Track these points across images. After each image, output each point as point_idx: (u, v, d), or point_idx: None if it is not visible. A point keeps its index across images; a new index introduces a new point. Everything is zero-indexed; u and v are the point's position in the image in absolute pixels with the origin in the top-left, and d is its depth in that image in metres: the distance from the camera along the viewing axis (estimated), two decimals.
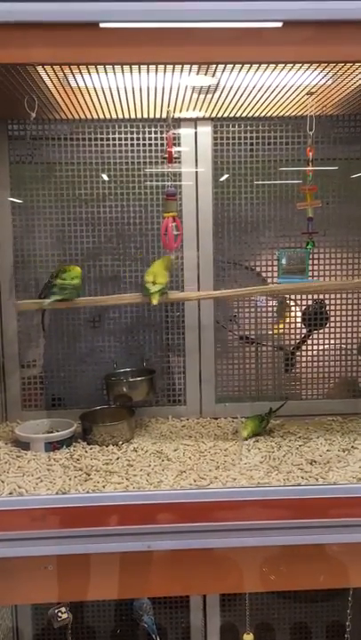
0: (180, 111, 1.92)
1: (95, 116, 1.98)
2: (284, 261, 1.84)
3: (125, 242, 2.10)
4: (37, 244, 2.08)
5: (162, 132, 2.02)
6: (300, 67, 1.48)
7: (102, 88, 1.64)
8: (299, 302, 2.21)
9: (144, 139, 2.05)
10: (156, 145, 2.04)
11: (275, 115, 2.00)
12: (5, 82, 1.54)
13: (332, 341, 2.19)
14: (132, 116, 1.98)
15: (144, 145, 2.05)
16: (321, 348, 2.20)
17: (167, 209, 1.78)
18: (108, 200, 2.08)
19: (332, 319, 2.18)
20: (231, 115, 1.99)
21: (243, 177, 2.09)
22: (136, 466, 1.67)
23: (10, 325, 2.10)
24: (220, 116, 2.00)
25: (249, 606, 2.14)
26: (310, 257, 1.85)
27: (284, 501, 1.47)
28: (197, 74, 1.53)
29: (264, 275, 2.14)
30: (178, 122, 2.02)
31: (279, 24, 1.35)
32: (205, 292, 2.05)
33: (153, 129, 2.04)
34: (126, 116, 1.98)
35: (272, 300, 2.19)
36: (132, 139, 2.05)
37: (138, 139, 2.05)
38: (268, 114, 1.99)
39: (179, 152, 2.03)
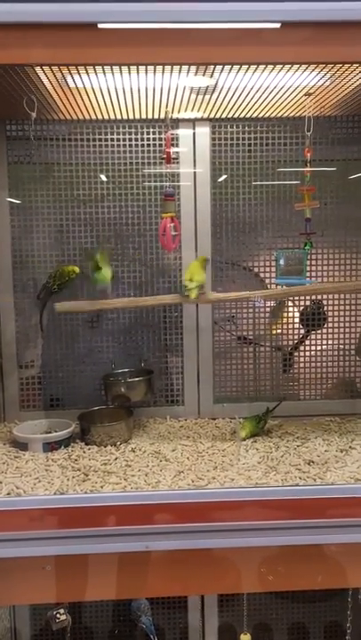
0: (179, 112, 1.93)
1: (93, 117, 1.98)
2: (281, 262, 1.84)
3: (124, 242, 2.10)
4: (35, 245, 2.08)
5: (160, 133, 2.03)
6: (299, 67, 1.48)
7: (101, 89, 1.64)
8: (297, 303, 2.21)
9: (142, 139, 2.05)
10: (155, 145, 2.05)
11: (273, 115, 2.00)
12: (3, 82, 1.54)
13: (330, 342, 2.20)
14: (131, 117, 1.99)
15: (142, 145, 2.05)
16: (319, 348, 2.21)
17: (165, 209, 1.78)
18: (106, 200, 2.08)
19: (330, 320, 2.18)
20: (229, 115, 2.00)
21: (241, 177, 2.09)
22: (134, 466, 1.67)
23: (8, 326, 2.10)
24: (218, 116, 2.00)
25: (247, 606, 2.14)
26: (308, 257, 1.85)
27: (282, 502, 1.47)
28: (196, 74, 1.53)
29: (262, 275, 2.14)
30: (176, 122, 2.02)
31: (277, 25, 1.35)
32: (242, 292, 1.95)
33: (151, 129, 2.04)
34: (125, 117, 1.99)
35: (270, 300, 2.19)
36: (130, 139, 2.05)
37: (136, 139, 2.05)
38: (267, 114, 1.99)
39: (177, 153, 2.03)
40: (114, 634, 2.38)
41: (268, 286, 2.12)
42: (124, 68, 1.45)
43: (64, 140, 2.04)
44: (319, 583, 1.57)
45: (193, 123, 2.03)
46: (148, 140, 2.05)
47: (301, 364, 2.23)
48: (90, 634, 2.38)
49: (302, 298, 2.19)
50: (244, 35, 1.37)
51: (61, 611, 1.91)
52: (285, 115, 1.98)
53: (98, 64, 1.41)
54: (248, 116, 2.00)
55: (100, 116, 1.98)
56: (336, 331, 2.18)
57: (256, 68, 1.47)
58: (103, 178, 2.07)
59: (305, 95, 1.74)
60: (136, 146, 2.05)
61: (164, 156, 1.79)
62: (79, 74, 1.50)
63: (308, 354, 2.22)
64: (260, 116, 2.00)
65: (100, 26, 1.34)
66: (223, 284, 2.13)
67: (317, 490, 1.50)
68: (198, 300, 1.81)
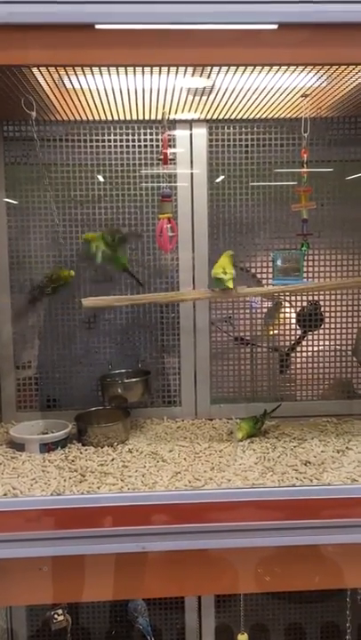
0: (176, 113, 1.93)
1: (91, 118, 1.98)
2: (279, 263, 1.85)
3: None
4: (32, 245, 2.08)
5: (157, 134, 2.03)
6: (296, 69, 1.48)
7: (98, 89, 1.64)
8: (294, 304, 2.21)
9: (139, 140, 2.05)
10: (152, 146, 2.05)
11: (270, 117, 2.00)
12: (0, 83, 1.54)
13: (327, 343, 2.20)
14: (128, 118, 1.99)
15: (139, 146, 2.05)
16: (316, 349, 2.21)
17: (162, 210, 1.78)
18: (103, 201, 2.08)
19: (327, 320, 2.19)
20: (226, 116, 2.00)
21: (238, 178, 2.09)
22: (131, 467, 1.67)
23: (5, 326, 2.10)
24: (215, 117, 2.01)
25: (244, 607, 2.14)
26: (305, 258, 1.85)
27: (279, 502, 1.48)
28: (193, 75, 1.53)
29: (259, 276, 2.15)
30: (173, 123, 2.02)
31: (275, 26, 1.35)
32: (268, 288, 2.00)
33: (148, 130, 2.04)
34: (122, 118, 1.99)
35: (267, 301, 2.19)
36: (127, 140, 2.05)
37: (133, 140, 2.05)
38: (264, 116, 1.99)
39: (174, 153, 2.03)
40: (111, 635, 2.38)
41: (266, 287, 2.11)
42: (122, 69, 1.45)
43: (61, 140, 2.04)
44: (316, 584, 1.57)
45: (190, 124, 2.03)
46: (146, 140, 2.05)
47: (298, 365, 2.23)
48: (87, 635, 2.38)
49: (299, 299, 2.19)
50: (241, 36, 1.37)
51: (59, 611, 1.91)
52: (282, 116, 1.99)
53: (95, 65, 1.41)
54: (245, 117, 2.00)
55: (97, 117, 1.98)
56: (333, 332, 2.19)
57: (253, 70, 1.47)
58: (100, 179, 2.07)
59: (302, 96, 1.75)
60: (133, 147, 2.05)
61: (162, 156, 1.79)
62: (76, 75, 1.50)
63: (304, 355, 2.22)
64: (257, 117, 2.01)
65: (97, 27, 1.34)
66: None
67: (314, 490, 1.50)
68: (234, 293, 1.80)
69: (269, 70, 1.49)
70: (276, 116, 1.99)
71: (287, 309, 2.22)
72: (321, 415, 2.11)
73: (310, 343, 2.21)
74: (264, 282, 2.13)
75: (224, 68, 1.46)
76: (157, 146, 2.03)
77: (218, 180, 2.09)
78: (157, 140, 2.03)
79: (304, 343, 2.22)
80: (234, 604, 2.29)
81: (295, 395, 2.23)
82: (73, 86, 1.60)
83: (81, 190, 2.07)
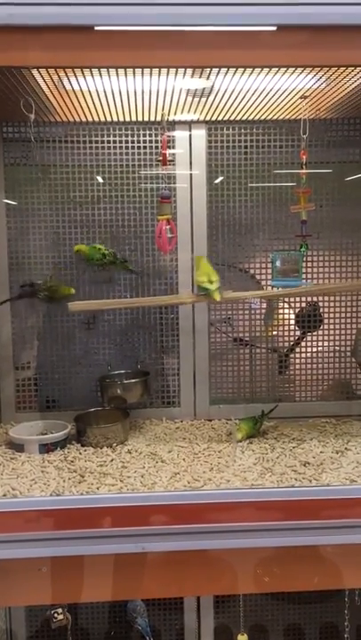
0: (175, 114, 1.93)
1: (90, 119, 1.99)
2: (278, 264, 1.85)
3: (120, 244, 2.10)
4: (32, 247, 2.08)
5: (156, 135, 2.03)
6: (294, 70, 1.48)
7: (97, 91, 1.64)
8: (293, 305, 2.21)
9: (139, 141, 2.05)
10: (151, 147, 2.05)
11: (269, 118, 2.01)
12: (0, 84, 1.54)
13: (326, 343, 2.20)
14: (127, 119, 1.99)
15: (138, 148, 2.05)
16: (315, 350, 2.21)
17: (161, 212, 1.78)
18: (102, 202, 2.08)
19: (326, 321, 2.19)
20: (225, 118, 2.00)
21: (237, 180, 2.10)
22: (130, 467, 1.67)
23: (4, 327, 2.10)
24: (214, 119, 2.01)
25: (243, 608, 2.15)
26: (304, 259, 1.86)
27: (278, 503, 1.48)
28: (192, 77, 1.53)
29: (258, 277, 2.15)
30: (172, 125, 2.02)
31: (273, 28, 1.36)
32: (255, 292, 2.02)
33: (147, 132, 2.04)
34: (121, 119, 1.99)
35: (266, 302, 2.20)
36: (126, 141, 2.05)
37: (132, 141, 2.05)
38: (263, 117, 2.00)
39: (173, 155, 2.03)
40: (110, 635, 2.38)
41: (264, 288, 2.12)
42: (121, 71, 1.46)
43: (60, 142, 2.05)
44: (315, 584, 1.57)
45: (189, 125, 2.04)
46: (145, 142, 2.05)
47: (297, 366, 2.23)
48: (86, 635, 2.38)
49: (298, 300, 2.19)
50: (240, 38, 1.37)
51: (59, 610, 1.91)
52: (281, 117, 1.99)
53: (95, 66, 1.42)
54: (244, 118, 2.01)
55: (96, 119, 1.98)
56: (332, 332, 2.19)
57: (252, 71, 1.48)
58: (99, 180, 2.08)
59: (301, 98, 1.75)
60: (132, 148, 2.05)
61: (161, 158, 1.79)
62: (76, 76, 1.50)
63: (304, 355, 2.23)
64: (256, 118, 2.01)
65: (96, 28, 1.34)
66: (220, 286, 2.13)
67: (313, 491, 1.50)
68: (222, 299, 1.80)
69: (268, 72, 1.49)
70: (275, 117, 1.99)
71: (285, 310, 2.23)
72: (320, 416, 2.11)
73: (309, 344, 2.21)
74: (263, 283, 2.13)
75: (223, 70, 1.47)
76: (157, 147, 2.04)
77: (217, 180, 2.09)
78: (157, 142, 2.03)
79: (303, 344, 2.22)
80: (233, 605, 2.29)
81: (294, 395, 2.24)
82: (72, 88, 1.61)
83: (80, 191, 2.07)
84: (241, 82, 1.58)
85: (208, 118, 2.00)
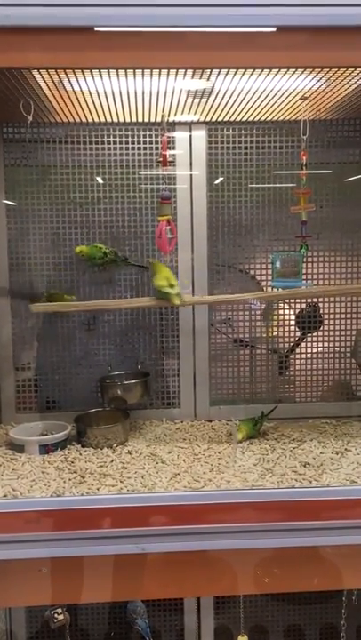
0: (175, 115, 1.93)
1: (90, 120, 1.99)
2: (278, 264, 1.85)
3: (120, 245, 2.10)
4: (32, 247, 2.08)
5: (157, 136, 2.03)
6: (294, 71, 1.49)
7: (97, 92, 1.64)
8: (293, 305, 2.21)
9: (139, 142, 2.05)
10: (151, 148, 2.05)
11: (269, 119, 2.01)
12: (0, 85, 1.55)
13: (326, 344, 2.20)
14: (127, 120, 1.99)
15: (139, 148, 2.05)
16: (315, 351, 2.21)
17: (162, 212, 1.79)
18: (102, 203, 2.09)
19: (326, 322, 2.19)
20: (226, 119, 2.00)
21: (237, 180, 2.10)
22: (130, 468, 1.67)
23: (4, 328, 2.10)
24: (214, 120, 2.01)
25: (243, 608, 2.15)
26: (304, 260, 1.86)
27: (278, 504, 1.48)
28: (192, 78, 1.54)
29: (258, 278, 2.15)
30: (173, 125, 2.02)
31: (273, 29, 1.36)
32: (219, 296, 2.05)
33: (148, 132, 2.05)
34: (121, 120, 1.99)
35: (266, 303, 2.20)
36: (126, 142, 2.05)
37: (133, 142, 2.05)
38: (263, 118, 2.00)
39: (173, 155, 2.03)
40: (110, 636, 2.38)
41: (265, 288, 2.12)
42: (121, 72, 1.46)
43: (61, 142, 2.05)
44: (315, 585, 1.57)
45: (189, 126, 2.04)
46: (145, 142, 2.05)
47: (297, 367, 2.23)
48: (86, 636, 2.38)
49: (298, 301, 2.19)
50: (240, 39, 1.37)
51: (59, 610, 1.91)
52: (281, 118, 1.99)
53: (95, 67, 1.42)
54: (244, 119, 2.01)
55: (96, 119, 1.98)
56: (332, 333, 2.19)
57: (252, 72, 1.48)
58: (100, 180, 2.08)
59: (301, 99, 1.75)
60: (132, 148, 2.06)
61: (161, 158, 1.79)
62: (76, 77, 1.50)
63: (304, 356, 2.23)
64: (257, 119, 2.01)
65: (96, 29, 1.34)
66: (220, 286, 2.14)
67: (313, 492, 1.50)
68: (181, 303, 1.81)
69: (268, 73, 1.50)
70: (275, 118, 2.00)
71: (285, 311, 2.23)
72: (320, 417, 2.11)
73: (309, 345, 2.22)
74: (263, 284, 2.13)
75: (223, 71, 1.47)
76: (157, 148, 2.04)
77: (217, 181, 2.09)
78: (157, 142, 2.04)
79: (303, 345, 2.23)
80: (233, 606, 2.29)
81: (294, 396, 2.24)
82: (73, 88, 1.61)
83: (80, 192, 2.07)
84: (241, 83, 1.58)
85: (208, 119, 2.01)
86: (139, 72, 1.46)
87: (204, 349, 2.14)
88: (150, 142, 2.05)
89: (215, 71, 1.47)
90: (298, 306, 2.21)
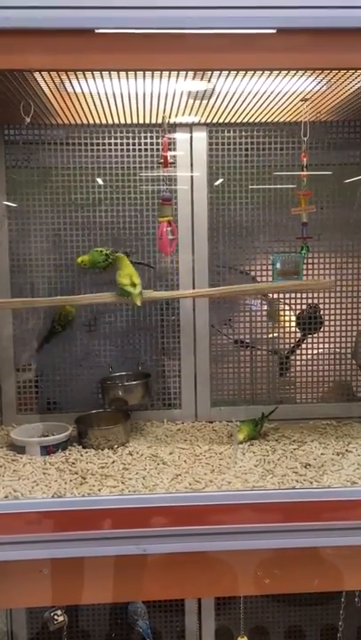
0: (176, 116, 1.93)
1: (91, 121, 1.99)
2: (278, 266, 1.85)
3: (121, 246, 2.10)
4: (33, 249, 2.09)
5: (157, 137, 2.03)
6: (295, 73, 1.49)
7: (98, 93, 1.65)
8: (293, 306, 2.22)
9: (140, 143, 2.05)
10: (152, 150, 2.05)
11: (270, 120, 2.01)
12: (2, 87, 1.55)
13: (327, 345, 2.21)
14: (128, 122, 1.99)
15: (140, 150, 2.06)
16: (315, 352, 2.21)
17: (162, 213, 1.79)
18: (103, 204, 2.09)
19: (327, 323, 2.19)
20: (226, 120, 2.00)
21: (238, 182, 2.10)
22: (131, 469, 1.67)
23: (5, 329, 2.10)
24: (215, 121, 2.01)
25: (244, 610, 2.15)
26: (305, 261, 1.86)
27: (279, 505, 1.48)
28: (193, 79, 1.54)
29: (259, 279, 2.15)
30: (173, 127, 2.03)
31: (273, 31, 1.36)
32: (180, 291, 2.09)
33: (149, 134, 2.05)
34: (122, 122, 1.99)
35: (266, 304, 2.20)
36: (127, 143, 2.06)
37: (134, 144, 2.06)
38: (263, 119, 2.00)
39: (174, 157, 2.04)
40: (110, 637, 2.38)
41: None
42: (122, 74, 1.46)
43: (62, 144, 2.05)
44: (316, 586, 1.57)
45: (190, 127, 2.04)
46: (146, 144, 2.05)
47: (298, 368, 2.23)
48: (87, 637, 2.38)
49: (298, 302, 2.19)
50: (240, 41, 1.38)
51: (58, 612, 1.91)
52: (282, 120, 2.00)
53: (96, 69, 1.42)
54: (245, 120, 2.01)
55: (97, 121, 1.99)
56: (332, 334, 2.19)
57: (253, 74, 1.48)
58: (100, 182, 2.08)
59: (301, 101, 1.75)
60: (133, 150, 2.06)
61: (162, 160, 1.79)
62: (77, 79, 1.50)
63: (304, 357, 2.23)
64: (257, 120, 2.01)
65: (97, 31, 1.34)
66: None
67: (314, 493, 1.51)
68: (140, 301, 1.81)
69: (269, 75, 1.50)
70: (275, 119, 2.00)
71: (286, 312, 2.23)
72: (321, 418, 2.11)
73: (310, 346, 2.22)
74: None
75: (224, 73, 1.47)
76: (158, 149, 2.04)
77: (217, 182, 2.09)
78: (158, 144, 2.04)
79: (304, 346, 2.23)
80: (234, 607, 2.29)
81: (295, 397, 2.24)
82: (74, 90, 1.61)
83: (81, 193, 2.07)
84: (242, 84, 1.58)
85: (209, 121, 2.01)
86: (140, 74, 1.46)
87: (205, 350, 2.14)
88: (151, 144, 2.05)
89: (216, 73, 1.47)
90: (298, 307, 2.21)
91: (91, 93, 1.65)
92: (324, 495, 1.50)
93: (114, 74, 1.46)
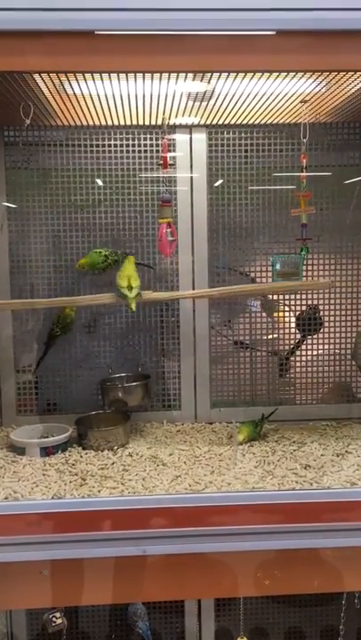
0: (176, 118, 1.94)
1: (91, 123, 1.99)
2: (278, 267, 1.85)
3: (121, 248, 2.10)
4: (33, 250, 2.09)
5: (157, 139, 2.04)
6: (294, 75, 1.49)
7: (98, 95, 1.65)
8: (293, 307, 2.22)
9: (139, 145, 2.06)
10: (152, 151, 2.05)
11: (269, 122, 2.01)
12: (2, 89, 1.55)
13: (326, 346, 2.21)
14: (128, 123, 2.00)
15: (139, 151, 2.06)
16: (315, 353, 2.22)
17: (162, 215, 1.79)
18: (103, 206, 2.09)
19: (326, 324, 2.19)
20: (226, 122, 2.01)
21: (237, 183, 2.10)
22: (131, 470, 1.67)
23: (5, 330, 2.10)
24: (214, 123, 2.02)
25: (243, 611, 2.15)
26: (304, 262, 1.86)
27: (279, 506, 1.48)
28: (193, 81, 1.54)
29: (258, 280, 2.15)
30: (173, 128, 2.03)
31: (272, 32, 1.36)
32: (177, 292, 2.09)
33: (148, 135, 2.05)
34: (122, 123, 2.00)
35: (261, 300, 2.20)
36: (127, 145, 2.06)
37: (133, 145, 2.06)
38: (263, 121, 2.00)
39: (174, 158, 2.04)
40: (110, 639, 2.38)
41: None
42: (122, 75, 1.46)
43: (61, 145, 2.05)
44: (316, 587, 1.57)
45: (190, 129, 2.04)
46: (145, 145, 2.06)
47: (298, 369, 2.24)
48: (87, 638, 2.37)
49: (298, 303, 2.19)
50: (240, 42, 1.38)
51: (57, 614, 1.91)
52: (281, 121, 2.00)
53: (95, 71, 1.42)
54: (244, 122, 2.01)
55: (97, 122, 1.99)
56: (332, 335, 2.19)
57: (252, 76, 1.48)
58: (100, 183, 2.08)
59: (301, 102, 1.76)
60: (133, 151, 2.06)
61: (161, 161, 1.80)
62: (77, 80, 1.51)
63: (304, 358, 2.23)
64: (257, 122, 2.02)
65: (97, 33, 1.35)
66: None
67: (314, 494, 1.51)
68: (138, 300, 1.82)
69: (269, 76, 1.50)
70: (275, 121, 2.00)
71: (285, 313, 2.23)
72: (320, 419, 2.12)
73: (310, 347, 2.22)
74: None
75: (224, 74, 1.47)
76: (157, 150, 2.04)
77: (217, 183, 2.10)
78: (157, 145, 2.04)
79: (303, 347, 2.23)
80: (234, 608, 2.29)
81: (295, 398, 2.24)
82: (74, 92, 1.61)
83: (81, 195, 2.07)
84: (241, 86, 1.58)
85: (208, 122, 2.01)
86: (139, 75, 1.47)
87: (205, 351, 2.14)
88: (151, 145, 2.05)
89: (215, 74, 1.47)
90: (298, 308, 2.21)
91: (90, 95, 1.65)
92: (323, 496, 1.50)
93: (113, 75, 1.46)
